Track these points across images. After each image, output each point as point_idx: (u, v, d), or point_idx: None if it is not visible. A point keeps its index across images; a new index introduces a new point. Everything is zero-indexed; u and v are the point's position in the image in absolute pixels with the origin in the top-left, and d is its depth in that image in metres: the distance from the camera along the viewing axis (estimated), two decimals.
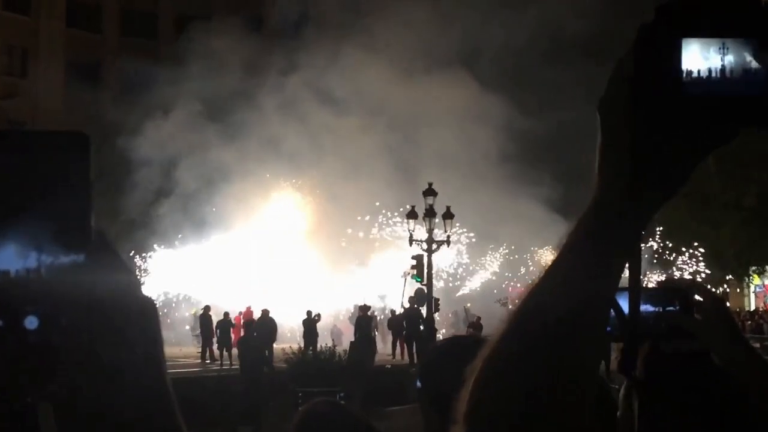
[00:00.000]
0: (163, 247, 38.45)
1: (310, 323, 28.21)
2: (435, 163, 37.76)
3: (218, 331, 27.44)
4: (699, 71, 0.88)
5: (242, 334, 23.39)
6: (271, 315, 25.44)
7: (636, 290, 1.07)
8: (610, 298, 0.94)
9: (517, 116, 39.91)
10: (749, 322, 32.20)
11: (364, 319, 26.15)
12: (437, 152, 39.70)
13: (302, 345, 24.75)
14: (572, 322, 0.90)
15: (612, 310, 0.99)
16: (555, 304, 0.91)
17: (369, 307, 28.31)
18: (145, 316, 0.93)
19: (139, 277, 0.97)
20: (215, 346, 27.92)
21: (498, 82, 39.40)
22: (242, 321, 31.51)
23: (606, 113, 0.92)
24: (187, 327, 34.54)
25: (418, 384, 2.11)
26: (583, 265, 0.92)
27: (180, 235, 38.17)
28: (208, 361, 27.26)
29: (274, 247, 39.98)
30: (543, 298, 0.93)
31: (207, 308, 29.61)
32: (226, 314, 28.93)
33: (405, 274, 36.09)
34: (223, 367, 25.76)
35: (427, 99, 40.06)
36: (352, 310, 32.59)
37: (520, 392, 0.89)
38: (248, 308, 34.68)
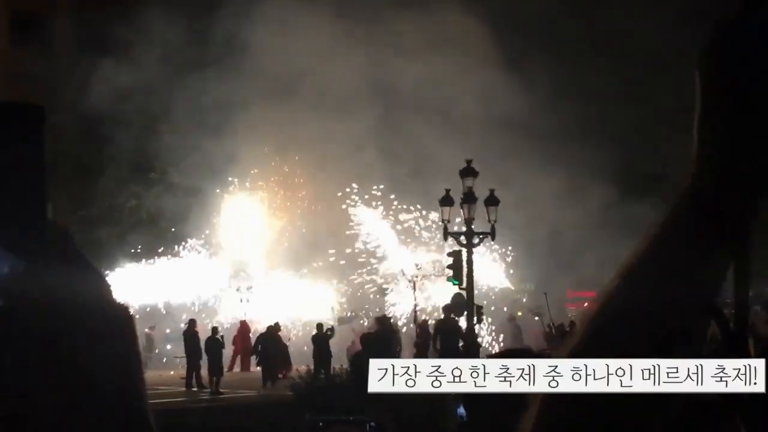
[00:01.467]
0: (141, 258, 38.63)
1: (322, 340, 28.18)
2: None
3: (208, 351, 26.81)
4: None
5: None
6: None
7: (743, 295, 0.94)
8: (712, 305, 0.91)
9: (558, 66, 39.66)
10: None
11: (383, 333, 26.07)
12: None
13: (312, 367, 24.77)
14: (662, 338, 0.89)
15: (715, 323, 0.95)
16: (640, 314, 0.89)
17: (389, 318, 28.19)
18: (119, 329, 0.91)
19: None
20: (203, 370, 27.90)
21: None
22: (240, 337, 31.41)
23: (710, 70, 0.89)
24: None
25: (461, 412, 2.08)
26: (678, 262, 0.89)
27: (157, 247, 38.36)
28: (194, 389, 26.79)
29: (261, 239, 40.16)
30: (624, 308, 0.90)
31: (192, 323, 28.94)
32: (215, 329, 28.46)
33: (412, 278, 35.96)
34: (219, 396, 25.33)
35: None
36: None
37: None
38: (243, 323, 34.76)
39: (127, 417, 0.90)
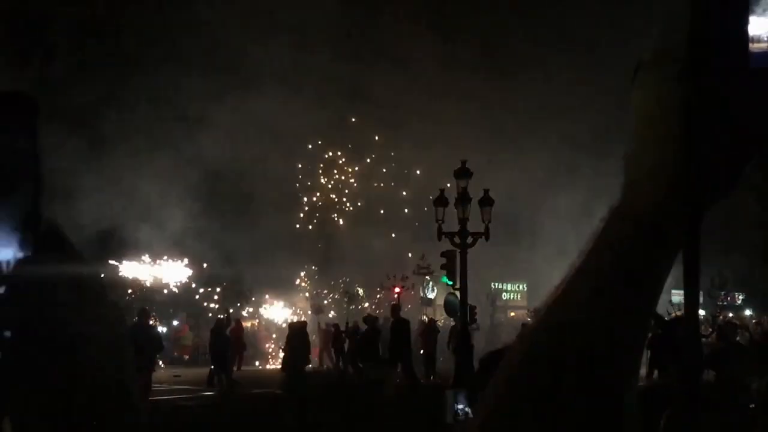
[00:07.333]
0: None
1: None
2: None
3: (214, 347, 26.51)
4: None
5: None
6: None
7: (694, 296, 0.90)
8: (652, 309, 0.89)
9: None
10: None
11: (372, 333, 25.66)
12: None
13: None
14: (602, 347, 0.87)
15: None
16: (577, 325, 0.87)
17: (376, 319, 27.63)
18: (114, 314, 0.94)
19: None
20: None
21: None
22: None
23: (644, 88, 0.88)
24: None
25: (459, 406, 2.03)
26: (616, 268, 0.88)
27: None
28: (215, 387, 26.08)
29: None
30: (561, 319, 0.89)
31: (220, 321, 28.34)
32: (237, 320, 28.50)
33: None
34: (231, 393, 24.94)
35: None
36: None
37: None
38: (237, 321, 34.08)
39: (120, 397, 0.94)
